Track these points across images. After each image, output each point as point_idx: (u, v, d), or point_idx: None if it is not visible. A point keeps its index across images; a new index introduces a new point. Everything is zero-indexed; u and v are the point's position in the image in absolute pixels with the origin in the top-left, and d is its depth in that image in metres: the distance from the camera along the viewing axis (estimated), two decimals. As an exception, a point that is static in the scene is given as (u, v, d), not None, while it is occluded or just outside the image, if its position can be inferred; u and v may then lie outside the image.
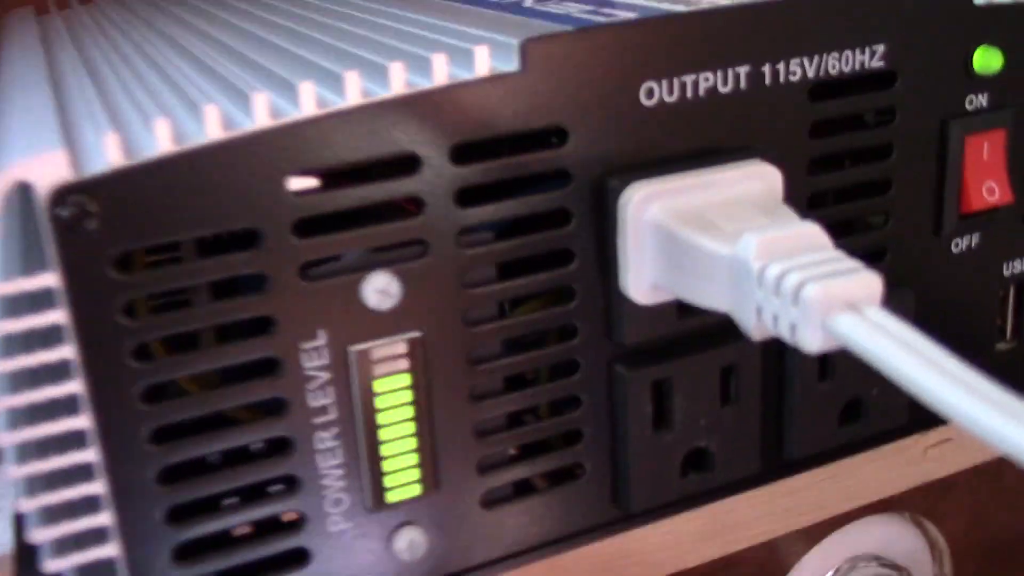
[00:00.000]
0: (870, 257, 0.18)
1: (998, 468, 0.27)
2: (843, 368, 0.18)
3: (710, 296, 0.14)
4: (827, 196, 0.17)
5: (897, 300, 0.17)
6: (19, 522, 0.19)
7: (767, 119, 0.16)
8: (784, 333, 0.13)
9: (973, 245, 0.19)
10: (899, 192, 0.18)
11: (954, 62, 0.17)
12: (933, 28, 0.17)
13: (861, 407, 0.18)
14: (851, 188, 0.17)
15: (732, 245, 0.14)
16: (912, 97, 0.17)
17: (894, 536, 0.30)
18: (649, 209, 0.15)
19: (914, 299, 0.18)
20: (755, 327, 0.13)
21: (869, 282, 0.13)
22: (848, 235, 0.17)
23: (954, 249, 0.19)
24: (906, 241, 0.18)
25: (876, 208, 0.18)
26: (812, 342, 0.13)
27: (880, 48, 0.17)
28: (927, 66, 0.17)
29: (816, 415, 0.18)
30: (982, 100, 0.18)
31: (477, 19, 0.17)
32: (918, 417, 0.17)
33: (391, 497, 0.15)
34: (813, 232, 0.14)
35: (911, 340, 0.12)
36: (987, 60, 0.18)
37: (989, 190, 0.18)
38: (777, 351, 0.17)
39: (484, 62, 0.14)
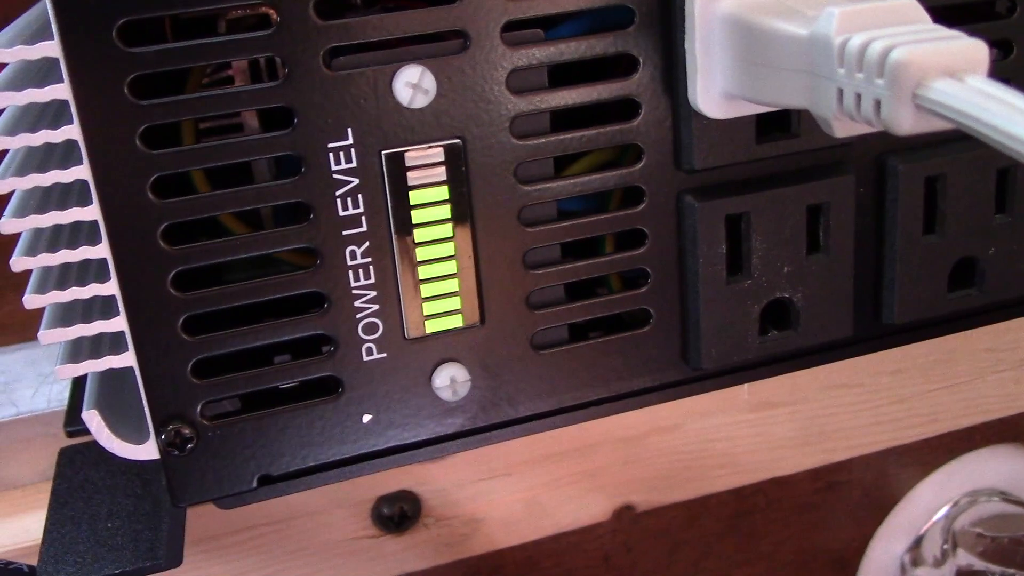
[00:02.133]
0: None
1: None
2: (953, 220, 0.16)
3: (787, 92, 0.12)
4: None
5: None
6: (76, 381, 0.19)
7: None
8: (868, 114, 0.11)
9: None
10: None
11: None
12: None
13: (975, 269, 0.16)
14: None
15: (813, 23, 0.12)
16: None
17: (1022, 469, 0.28)
18: (720, 1, 0.13)
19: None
20: (836, 117, 0.12)
21: (972, 48, 0.11)
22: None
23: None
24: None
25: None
26: (902, 118, 0.11)
27: None
28: None
29: (920, 274, 0.16)
30: None
31: None
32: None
33: (430, 327, 0.14)
34: (907, 4, 0.12)
35: None
36: None
37: None
38: (875, 194, 0.15)
39: None
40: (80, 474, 0.16)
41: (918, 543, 0.27)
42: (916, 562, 0.27)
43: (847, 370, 0.21)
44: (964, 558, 0.26)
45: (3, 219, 0.12)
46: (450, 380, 0.14)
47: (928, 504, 0.27)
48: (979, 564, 0.26)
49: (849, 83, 0.11)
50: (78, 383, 0.18)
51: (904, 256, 0.15)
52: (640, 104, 0.14)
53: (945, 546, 0.27)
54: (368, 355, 0.14)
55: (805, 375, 0.21)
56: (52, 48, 0.12)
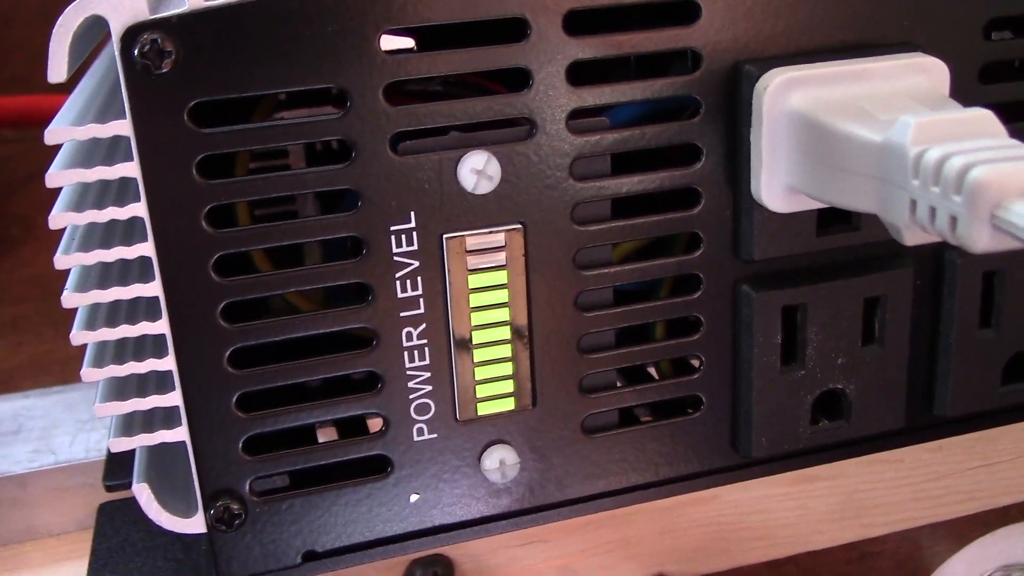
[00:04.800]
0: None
1: None
2: (1010, 315, 0.15)
3: (856, 195, 0.12)
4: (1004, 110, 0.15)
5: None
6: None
7: (934, 11, 0.14)
8: (943, 229, 0.11)
9: None
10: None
11: None
12: None
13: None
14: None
15: (885, 132, 0.12)
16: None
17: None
18: (790, 97, 0.13)
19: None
20: (907, 227, 0.11)
21: (1051, 166, 0.10)
22: None
23: None
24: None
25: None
26: (978, 238, 0.10)
27: (1078, -60, 0.14)
28: None
29: (975, 367, 0.16)
30: None
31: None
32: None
33: (482, 409, 0.14)
34: (984, 117, 0.11)
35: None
36: None
37: None
38: (932, 287, 0.15)
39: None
40: (120, 533, 0.16)
41: (949, 616, 0.27)
42: (946, 635, 0.27)
43: (888, 445, 0.21)
44: (995, 633, 0.26)
45: (66, 292, 0.12)
46: (499, 462, 0.14)
47: (960, 577, 0.27)
48: (1010, 639, 0.26)
49: (924, 195, 0.11)
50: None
51: (959, 350, 0.15)
52: (701, 194, 0.14)
53: (977, 621, 0.26)
54: (419, 435, 0.14)
55: (847, 451, 0.20)
56: (124, 127, 0.12)
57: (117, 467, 0.18)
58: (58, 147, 0.13)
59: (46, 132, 0.12)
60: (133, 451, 0.17)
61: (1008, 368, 0.16)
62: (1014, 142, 0.11)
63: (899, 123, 0.11)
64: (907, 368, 0.15)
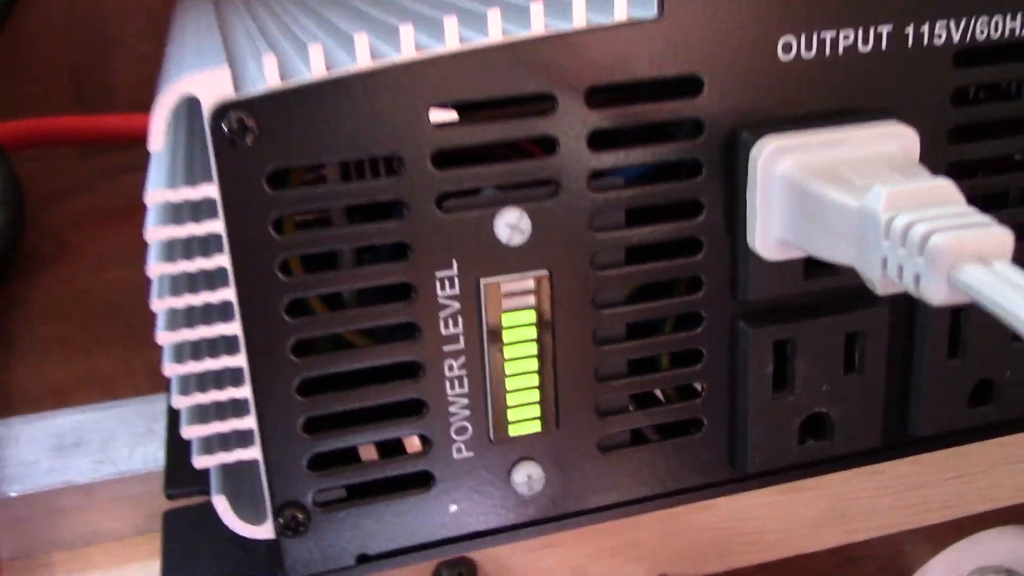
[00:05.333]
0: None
1: None
2: (975, 346, 0.17)
3: (837, 250, 0.14)
4: (969, 167, 0.17)
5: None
6: (170, 444, 0.21)
7: (907, 82, 0.16)
8: (909, 284, 0.13)
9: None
10: (1044, 163, 0.17)
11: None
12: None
13: (993, 390, 0.18)
14: (995, 160, 0.17)
15: (862, 197, 0.14)
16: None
17: (1028, 550, 0.29)
18: (780, 162, 0.15)
19: (1056, 281, 0.17)
20: (880, 280, 0.13)
21: (999, 236, 0.13)
22: (994, 206, 0.17)
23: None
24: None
25: (1020, 182, 0.17)
26: (936, 293, 0.13)
27: (1033, 17, 0.16)
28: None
29: (944, 393, 0.18)
30: None
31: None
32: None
33: (513, 431, 0.16)
34: (945, 187, 0.14)
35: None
36: None
37: None
38: (906, 323, 0.17)
39: (622, 7, 0.15)
40: (186, 537, 0.18)
41: (929, 615, 0.29)
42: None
43: (870, 458, 0.23)
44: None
45: (160, 332, 0.14)
46: (527, 477, 0.16)
47: (939, 579, 0.29)
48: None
49: (893, 255, 0.13)
50: (172, 449, 0.20)
51: (930, 377, 0.17)
52: (703, 243, 0.16)
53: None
54: (458, 454, 0.16)
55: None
56: (212, 190, 0.14)
57: (175, 478, 0.20)
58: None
59: (147, 195, 0.14)
60: (190, 462, 0.19)
61: (974, 393, 0.18)
62: (970, 210, 0.13)
63: (873, 192, 0.13)
64: (883, 393, 0.17)
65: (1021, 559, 0.30)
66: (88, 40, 0.49)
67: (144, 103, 0.42)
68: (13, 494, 0.20)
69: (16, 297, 0.32)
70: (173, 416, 0.22)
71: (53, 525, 0.20)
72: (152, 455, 0.22)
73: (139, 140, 0.44)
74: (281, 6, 0.21)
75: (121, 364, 0.27)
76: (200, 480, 0.17)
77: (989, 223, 0.13)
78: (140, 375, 0.26)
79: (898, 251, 0.13)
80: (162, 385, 0.25)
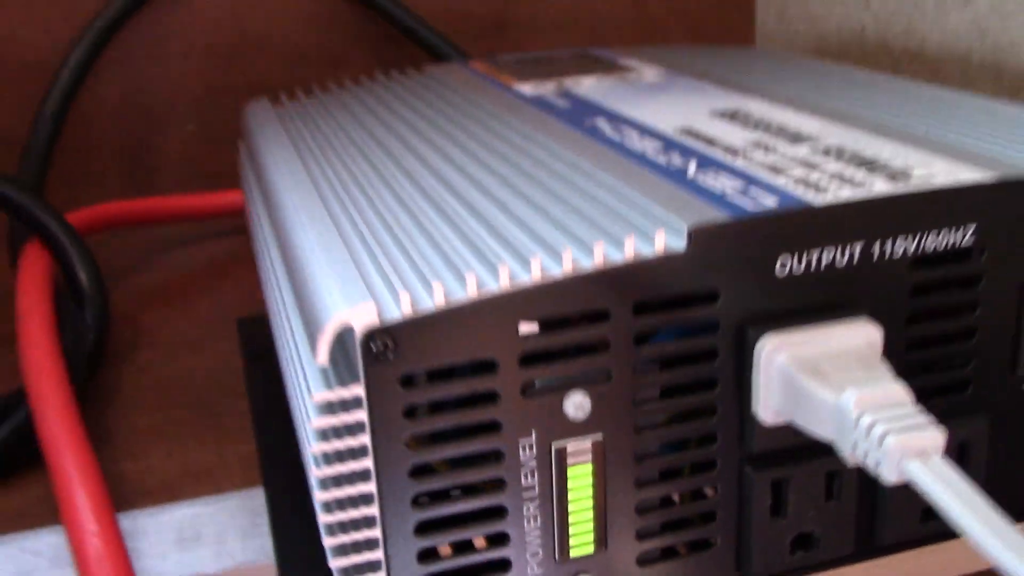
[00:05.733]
0: (955, 388, 0.22)
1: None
2: (927, 475, 0.22)
3: (819, 428, 0.19)
4: (923, 342, 0.22)
5: (973, 424, 0.22)
6: (277, 537, 0.26)
7: (874, 285, 0.21)
8: (870, 466, 0.18)
9: (1043, 382, 0.23)
10: (981, 339, 0.22)
11: (1031, 240, 0.22)
12: (1015, 211, 0.22)
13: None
14: (942, 336, 0.22)
15: (837, 394, 0.19)
16: (994, 266, 0.22)
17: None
18: (777, 356, 0.20)
19: (987, 423, 0.23)
20: (850, 457, 0.18)
21: (934, 437, 0.18)
22: (940, 371, 0.22)
23: (1026, 385, 0.23)
24: (985, 377, 0.23)
25: (962, 352, 0.22)
26: (889, 477, 0.18)
27: (971, 228, 0.21)
28: (1008, 243, 0.22)
29: (902, 512, 0.23)
30: (1054, 269, 0.22)
31: (650, 189, 0.23)
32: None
33: (573, 553, 0.21)
34: (898, 391, 0.19)
35: (962, 490, 0.17)
36: (1060, 239, 0.22)
37: (1058, 341, 0.23)
38: (873, 460, 0.22)
39: (661, 242, 0.20)
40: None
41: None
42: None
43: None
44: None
45: (316, 491, 0.19)
46: (583, 586, 0.21)
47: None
48: None
49: (860, 443, 0.18)
50: (279, 544, 0.25)
51: (892, 498, 0.22)
52: (718, 408, 0.21)
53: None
54: (531, 571, 0.21)
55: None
56: (359, 390, 0.19)
57: (288, 571, 0.24)
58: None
59: (313, 396, 0.19)
60: (304, 558, 0.24)
61: (925, 512, 0.23)
62: (916, 410, 0.18)
63: (846, 394, 0.18)
64: (855, 514, 0.22)
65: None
66: (139, 123, 0.54)
67: (188, 180, 0.49)
68: (162, 585, 0.25)
69: (105, 388, 0.36)
70: (275, 513, 0.27)
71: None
72: (262, 547, 0.26)
73: (194, 217, 0.49)
74: (374, 191, 0.25)
75: (216, 457, 0.31)
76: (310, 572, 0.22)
77: (927, 425, 0.18)
78: (235, 467, 0.31)
79: (863, 442, 0.18)
80: (255, 478, 0.30)
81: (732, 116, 0.28)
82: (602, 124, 0.28)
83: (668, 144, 0.26)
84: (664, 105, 0.30)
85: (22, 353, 0.32)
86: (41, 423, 0.29)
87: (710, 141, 0.26)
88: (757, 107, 0.29)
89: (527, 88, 0.34)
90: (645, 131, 0.27)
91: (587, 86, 0.34)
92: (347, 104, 0.36)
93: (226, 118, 0.53)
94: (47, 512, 0.29)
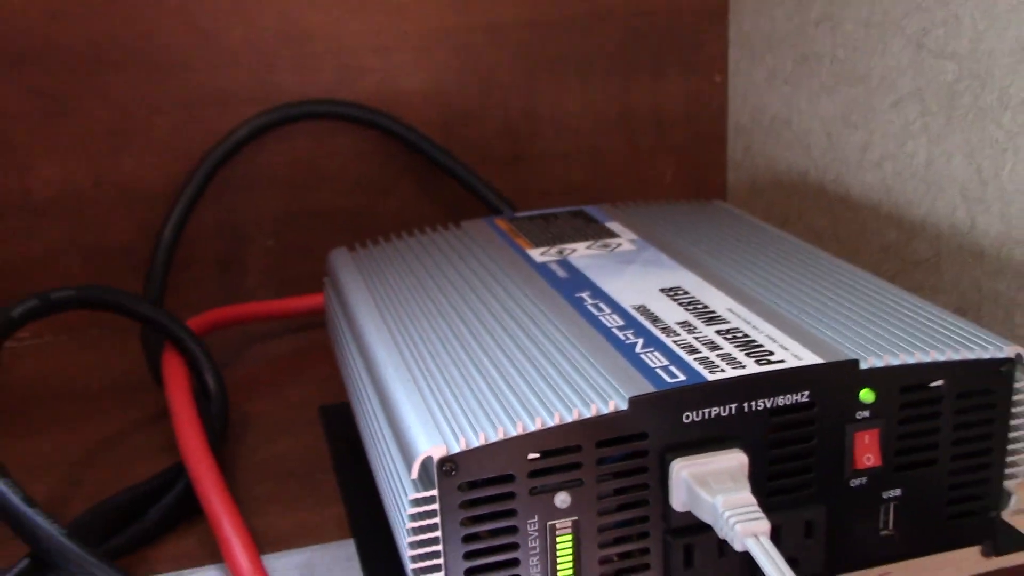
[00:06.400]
0: (802, 489, 0.36)
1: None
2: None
3: (706, 516, 0.33)
4: (779, 460, 0.35)
5: (815, 510, 0.36)
6: (367, 572, 0.39)
7: (744, 428, 0.34)
8: (733, 543, 0.31)
9: (861, 483, 0.36)
10: (818, 461, 0.36)
11: (850, 396, 0.35)
12: (834, 381, 0.35)
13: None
14: (792, 459, 0.35)
15: (713, 497, 0.32)
16: (825, 413, 0.35)
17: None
18: (682, 472, 0.33)
19: (825, 512, 0.36)
20: (721, 532, 0.32)
21: (762, 524, 0.31)
22: (792, 478, 0.35)
23: (852, 484, 0.36)
24: (824, 482, 0.36)
25: (807, 465, 0.36)
26: (738, 548, 0.31)
27: (806, 392, 0.35)
28: (834, 399, 0.35)
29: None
30: (865, 413, 0.36)
31: (610, 361, 0.36)
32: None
33: (559, 589, 0.34)
34: (748, 497, 0.32)
35: (774, 556, 0.30)
36: (866, 395, 0.36)
37: (867, 457, 0.36)
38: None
39: (612, 405, 0.33)
40: (393, 633, 0.36)
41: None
42: None
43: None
44: None
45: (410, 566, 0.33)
46: (566, 610, 0.34)
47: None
48: None
49: (726, 526, 0.31)
50: (371, 578, 0.39)
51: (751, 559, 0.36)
52: (649, 502, 0.34)
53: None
54: (534, 599, 0.34)
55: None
56: (435, 491, 0.32)
57: (377, 598, 0.38)
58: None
59: (409, 496, 0.32)
60: (386, 591, 0.37)
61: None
62: (756, 507, 0.31)
63: (717, 499, 0.32)
64: (739, 566, 0.35)
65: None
66: (230, 241, 0.68)
67: (268, 285, 0.67)
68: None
69: (227, 464, 0.50)
70: (364, 558, 0.40)
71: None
72: (357, 583, 0.40)
73: (278, 317, 0.64)
74: (441, 338, 0.39)
75: (316, 516, 0.45)
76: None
77: (761, 517, 0.31)
78: (330, 524, 0.44)
79: (725, 526, 0.31)
80: (347, 533, 0.43)
81: (673, 293, 0.42)
82: (586, 297, 0.42)
83: (627, 320, 0.39)
84: (631, 278, 0.44)
85: (179, 437, 0.46)
86: (199, 487, 0.43)
87: (655, 319, 0.39)
88: (691, 283, 0.43)
89: (537, 254, 0.48)
90: (615, 307, 0.41)
91: (580, 253, 0.47)
92: (406, 255, 0.50)
93: (297, 234, 0.67)
94: (206, 554, 0.42)
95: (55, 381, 0.59)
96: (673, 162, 0.74)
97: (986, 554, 0.40)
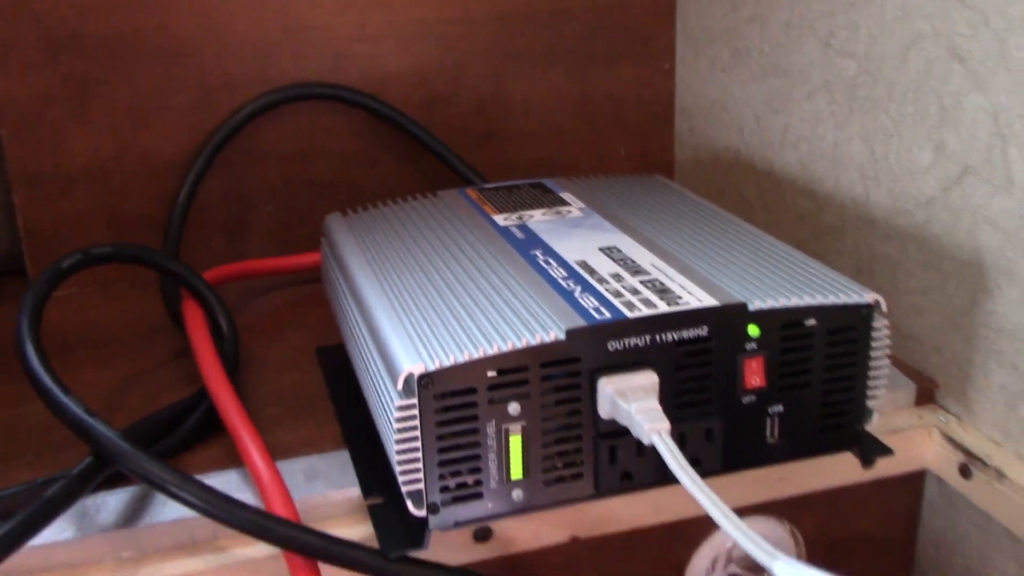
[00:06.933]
0: (703, 404, 0.46)
1: (836, 493, 0.54)
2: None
3: (624, 421, 0.42)
4: (678, 382, 0.45)
5: (714, 421, 0.46)
6: (360, 475, 0.49)
7: (656, 355, 0.44)
8: (642, 438, 0.41)
9: (751, 400, 0.46)
10: (715, 382, 0.45)
11: (740, 331, 0.45)
12: (727, 319, 0.45)
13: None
14: (694, 379, 0.45)
15: (630, 406, 0.42)
16: (720, 345, 0.45)
17: (768, 528, 0.58)
18: (607, 388, 0.43)
19: (721, 423, 0.46)
20: (635, 432, 0.42)
21: (663, 423, 0.41)
22: (694, 395, 0.45)
23: (743, 401, 0.46)
24: (721, 399, 0.46)
25: (706, 385, 0.45)
26: (646, 442, 0.41)
27: (706, 327, 0.45)
28: (727, 333, 0.45)
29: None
30: (752, 345, 0.46)
31: (554, 304, 0.46)
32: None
33: (512, 477, 0.44)
34: (655, 406, 0.42)
35: (679, 458, 0.40)
36: (753, 330, 0.45)
37: (755, 379, 0.46)
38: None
39: (553, 335, 0.43)
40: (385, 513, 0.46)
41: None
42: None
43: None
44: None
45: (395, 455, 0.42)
46: (520, 495, 0.44)
47: (713, 546, 0.57)
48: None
49: (638, 426, 0.41)
50: (362, 481, 0.48)
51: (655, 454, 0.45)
52: (581, 411, 0.44)
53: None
54: (492, 486, 0.44)
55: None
56: (415, 399, 0.42)
57: (368, 492, 0.47)
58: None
59: (395, 403, 0.42)
60: (376, 487, 0.47)
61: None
62: (661, 412, 0.41)
63: (633, 406, 0.41)
64: (654, 464, 0.45)
65: (764, 532, 0.58)
66: (237, 206, 0.77)
67: (270, 246, 0.80)
68: (298, 497, 0.48)
69: (239, 393, 0.59)
70: (357, 464, 0.50)
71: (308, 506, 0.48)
72: (352, 481, 0.50)
73: (279, 273, 0.74)
74: (425, 274, 0.48)
75: (316, 433, 0.54)
76: (376, 493, 0.45)
77: (663, 418, 0.41)
78: (328, 439, 0.54)
79: (637, 426, 0.41)
80: (341, 445, 0.53)
81: (609, 251, 0.51)
82: (539, 255, 0.51)
83: (570, 272, 0.49)
84: (576, 240, 0.53)
85: (201, 367, 0.55)
86: (221, 408, 0.52)
87: (591, 271, 0.49)
88: (625, 244, 0.52)
89: (500, 219, 0.57)
90: (561, 261, 0.50)
91: (537, 219, 0.57)
92: (391, 219, 0.59)
93: (295, 201, 0.77)
94: (229, 461, 0.52)
95: (88, 327, 0.68)
96: (626, 141, 0.83)
97: (865, 465, 0.50)
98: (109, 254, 0.58)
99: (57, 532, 0.46)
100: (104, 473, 0.46)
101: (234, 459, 0.51)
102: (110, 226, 0.73)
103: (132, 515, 0.47)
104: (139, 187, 0.73)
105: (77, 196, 0.72)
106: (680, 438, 0.45)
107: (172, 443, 0.52)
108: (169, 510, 0.47)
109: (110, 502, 0.48)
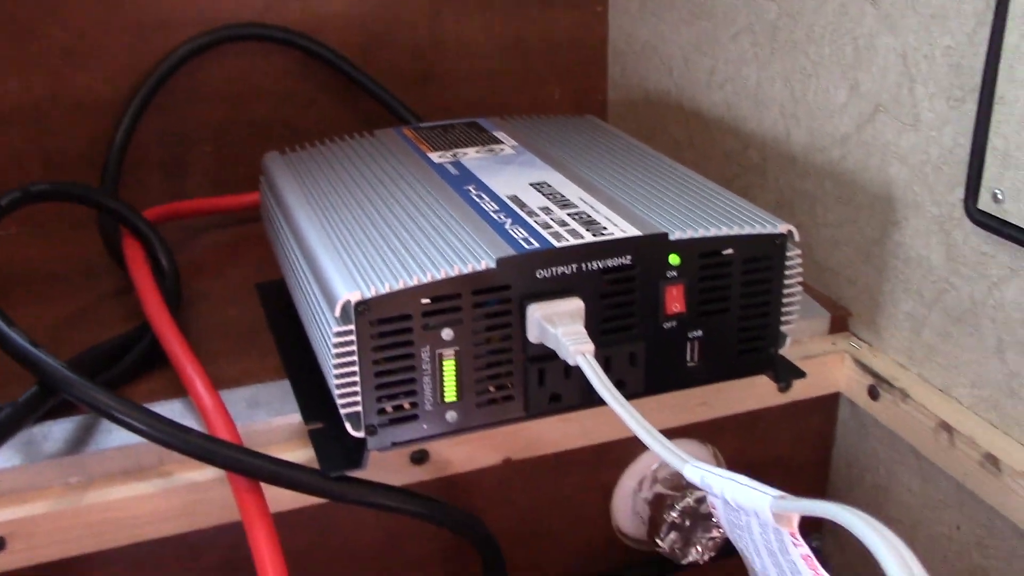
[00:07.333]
0: (627, 329, 0.48)
1: (755, 416, 0.57)
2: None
3: (552, 345, 0.45)
4: (603, 309, 0.48)
5: (637, 345, 0.48)
6: (301, 404, 0.51)
7: (582, 283, 0.46)
8: (568, 360, 0.43)
9: (671, 325, 0.49)
10: (638, 308, 0.48)
11: (661, 259, 0.48)
12: (649, 248, 0.47)
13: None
14: (619, 306, 0.48)
15: (556, 330, 0.44)
16: (642, 273, 0.48)
17: (693, 449, 0.61)
18: (536, 313, 0.45)
19: (644, 347, 0.48)
20: (561, 354, 0.44)
21: (590, 347, 0.43)
22: (619, 321, 0.48)
23: (664, 326, 0.49)
24: (643, 324, 0.48)
25: (630, 311, 0.48)
26: (572, 363, 0.43)
27: (629, 256, 0.47)
28: (649, 262, 0.47)
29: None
30: (673, 273, 0.48)
31: (486, 235, 0.48)
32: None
33: (446, 399, 0.46)
34: (581, 330, 0.44)
35: (602, 378, 0.42)
36: (674, 259, 0.48)
37: (675, 306, 0.48)
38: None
39: (484, 263, 0.45)
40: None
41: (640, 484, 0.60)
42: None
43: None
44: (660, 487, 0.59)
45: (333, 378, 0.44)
46: (454, 416, 0.47)
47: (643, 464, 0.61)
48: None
49: (564, 348, 0.44)
50: (304, 410, 0.50)
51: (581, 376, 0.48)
52: (512, 336, 0.46)
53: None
54: (427, 407, 0.46)
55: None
56: (352, 326, 0.44)
57: (309, 418, 0.49)
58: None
59: (332, 329, 0.43)
60: (316, 414, 0.49)
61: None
62: (584, 335, 0.44)
63: (559, 330, 0.44)
64: (580, 385, 0.48)
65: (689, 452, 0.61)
66: (173, 147, 0.78)
67: (207, 186, 0.82)
68: (240, 424, 0.50)
69: (184, 325, 0.61)
70: (297, 393, 0.52)
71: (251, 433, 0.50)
72: (293, 409, 0.51)
73: (218, 212, 0.75)
74: (357, 201, 0.50)
75: (257, 364, 0.56)
76: (316, 419, 0.47)
77: (588, 341, 0.43)
78: (269, 370, 0.55)
79: (563, 349, 0.44)
80: (282, 376, 0.54)
81: (539, 186, 0.54)
82: (472, 190, 0.53)
83: (501, 205, 0.51)
84: (508, 176, 0.55)
85: (143, 301, 0.57)
86: (164, 341, 0.54)
87: (522, 204, 0.51)
88: (555, 179, 0.55)
89: (435, 156, 0.59)
90: (492, 196, 0.52)
91: (470, 156, 0.59)
92: (328, 157, 0.61)
93: (233, 142, 0.78)
94: (172, 390, 0.53)
95: (28, 266, 0.69)
96: (560, 82, 0.85)
97: (781, 390, 0.54)
98: (48, 191, 0.58)
99: (4, 460, 0.47)
100: (50, 402, 0.48)
101: (177, 390, 0.53)
102: (46, 166, 0.73)
103: (78, 443, 0.48)
104: (75, 127, 0.73)
105: (11, 136, 0.72)
106: (605, 362, 0.48)
107: (115, 374, 0.53)
108: (114, 437, 0.49)
109: (55, 431, 0.49)
